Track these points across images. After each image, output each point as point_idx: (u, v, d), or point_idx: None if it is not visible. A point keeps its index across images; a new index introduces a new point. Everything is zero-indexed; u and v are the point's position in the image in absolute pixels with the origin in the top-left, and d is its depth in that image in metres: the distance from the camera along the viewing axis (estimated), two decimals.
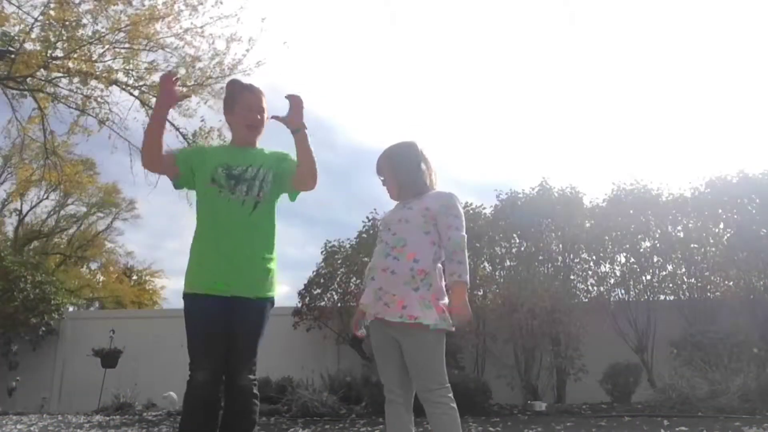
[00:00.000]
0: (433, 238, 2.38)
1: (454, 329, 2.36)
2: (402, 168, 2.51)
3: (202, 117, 8.00)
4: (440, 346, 2.32)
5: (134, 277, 26.53)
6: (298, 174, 2.44)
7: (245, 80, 2.63)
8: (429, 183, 2.52)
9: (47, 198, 21.68)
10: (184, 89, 7.45)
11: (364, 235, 8.54)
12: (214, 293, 2.34)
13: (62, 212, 23.07)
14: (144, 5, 6.78)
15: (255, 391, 2.38)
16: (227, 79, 7.62)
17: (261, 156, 2.53)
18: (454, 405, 2.27)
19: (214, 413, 2.33)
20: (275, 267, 2.47)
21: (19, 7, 6.59)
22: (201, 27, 7.28)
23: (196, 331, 2.36)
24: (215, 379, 2.33)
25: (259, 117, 2.52)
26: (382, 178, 2.58)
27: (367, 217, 8.66)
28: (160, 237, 35.90)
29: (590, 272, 8.11)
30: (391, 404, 2.40)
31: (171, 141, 8.36)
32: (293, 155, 2.46)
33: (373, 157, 2.64)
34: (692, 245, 7.78)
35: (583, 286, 8.06)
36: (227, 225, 2.40)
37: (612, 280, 8.05)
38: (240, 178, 2.43)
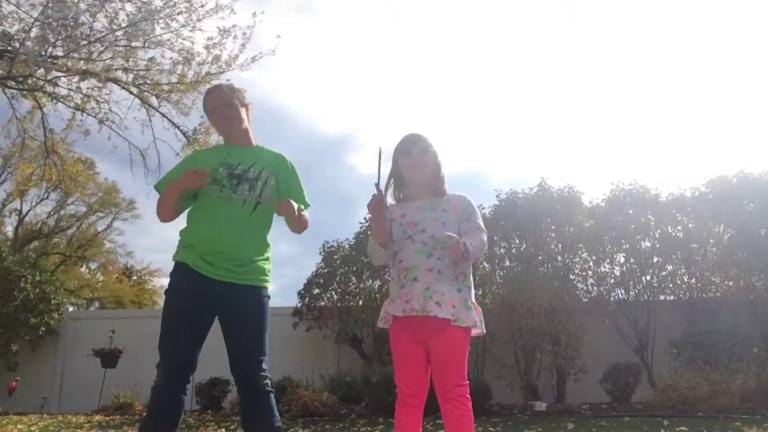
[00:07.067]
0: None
1: (484, 333, 2.42)
2: (438, 162, 2.43)
3: (202, 114, 7.95)
4: (468, 344, 2.35)
5: (134, 277, 26.56)
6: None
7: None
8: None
9: (47, 198, 21.73)
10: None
11: (362, 236, 8.55)
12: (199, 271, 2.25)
13: (62, 212, 23.09)
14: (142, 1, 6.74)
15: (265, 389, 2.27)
16: (225, 75, 7.63)
17: (262, 156, 2.44)
18: (470, 405, 2.24)
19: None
20: (269, 267, 2.41)
21: (18, 7, 6.57)
22: (198, 21, 7.21)
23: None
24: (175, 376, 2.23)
25: (226, 112, 2.45)
26: (414, 158, 2.37)
27: (365, 218, 8.67)
28: (133, 235, 34.88)
29: (590, 272, 8.11)
30: (403, 404, 2.33)
31: (171, 139, 8.35)
32: (288, 165, 2.45)
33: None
34: (692, 245, 7.79)
35: (582, 286, 8.05)
36: (224, 224, 2.29)
37: (612, 280, 8.06)
38: (242, 177, 2.32)
